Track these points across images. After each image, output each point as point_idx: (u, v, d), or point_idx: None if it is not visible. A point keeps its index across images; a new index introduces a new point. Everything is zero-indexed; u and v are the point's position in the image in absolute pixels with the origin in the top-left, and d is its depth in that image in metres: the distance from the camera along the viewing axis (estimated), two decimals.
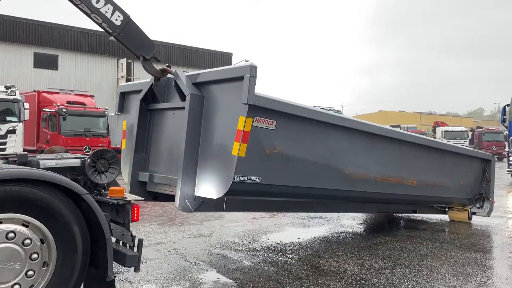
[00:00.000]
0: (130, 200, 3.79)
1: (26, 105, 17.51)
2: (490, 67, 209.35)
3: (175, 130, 5.24)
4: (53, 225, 3.23)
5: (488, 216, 9.07)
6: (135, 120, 5.65)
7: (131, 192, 5.46)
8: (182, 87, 4.99)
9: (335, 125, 5.71)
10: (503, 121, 19.14)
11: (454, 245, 7.05)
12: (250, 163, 4.69)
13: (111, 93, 28.01)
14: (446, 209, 9.38)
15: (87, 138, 20.21)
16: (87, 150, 19.23)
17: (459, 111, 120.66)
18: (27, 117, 17.39)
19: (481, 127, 53.16)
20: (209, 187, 4.76)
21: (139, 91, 5.73)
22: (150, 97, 5.59)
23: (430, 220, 9.44)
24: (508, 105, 18.68)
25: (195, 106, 4.86)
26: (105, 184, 4.30)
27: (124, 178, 5.80)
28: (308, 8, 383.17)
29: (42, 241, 3.20)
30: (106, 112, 21.10)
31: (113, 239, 3.68)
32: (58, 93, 21.91)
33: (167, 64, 5.36)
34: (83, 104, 21.36)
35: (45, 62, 28.18)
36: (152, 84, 5.45)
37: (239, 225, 8.28)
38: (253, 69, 4.42)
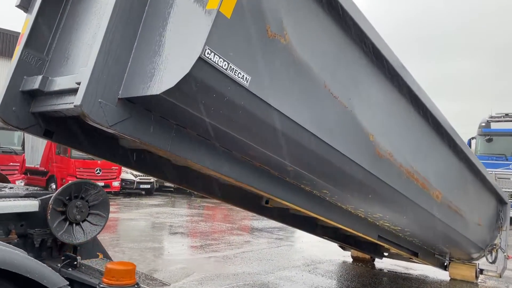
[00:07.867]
0: None
1: None
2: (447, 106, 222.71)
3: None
4: None
5: (501, 277, 7.11)
6: None
7: (2, 113, 2.89)
8: None
9: (388, 64, 3.74)
10: None
11: None
12: (237, 40, 2.47)
13: None
14: (446, 263, 7.34)
15: None
16: None
17: None
18: None
19: None
20: (151, 76, 2.39)
21: None
22: None
23: (427, 279, 7.35)
24: (473, 138, 17.56)
25: None
26: (79, 245, 2.61)
27: None
28: None
29: None
30: None
31: None
32: None
33: None
34: None
35: None
36: None
37: None
38: None
